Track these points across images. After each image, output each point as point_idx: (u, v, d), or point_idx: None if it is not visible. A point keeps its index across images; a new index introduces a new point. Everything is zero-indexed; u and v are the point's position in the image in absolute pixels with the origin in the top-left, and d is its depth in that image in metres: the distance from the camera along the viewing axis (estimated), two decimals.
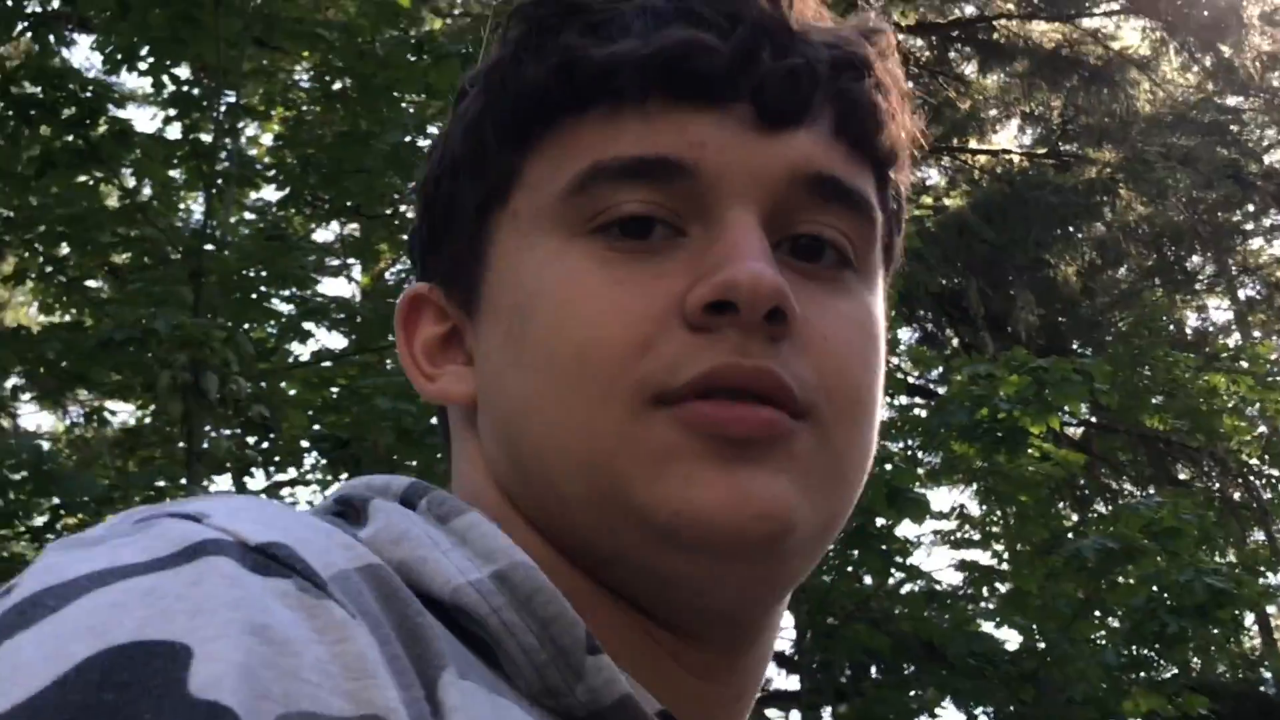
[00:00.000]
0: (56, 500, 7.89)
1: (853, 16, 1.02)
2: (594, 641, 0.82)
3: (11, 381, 9.87)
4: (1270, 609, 15.48)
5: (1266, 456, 11.43)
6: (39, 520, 8.07)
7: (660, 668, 0.90)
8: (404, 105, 8.89)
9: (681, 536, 0.85)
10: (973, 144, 13.77)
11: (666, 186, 0.91)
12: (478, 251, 0.98)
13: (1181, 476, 12.13)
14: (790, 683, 10.47)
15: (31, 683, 0.61)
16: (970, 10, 13.68)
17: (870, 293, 0.97)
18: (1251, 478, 12.56)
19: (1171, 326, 13.78)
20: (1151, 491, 11.08)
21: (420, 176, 1.10)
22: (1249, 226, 17.40)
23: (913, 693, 8.74)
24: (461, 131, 1.00)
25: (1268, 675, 11.85)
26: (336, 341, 9.99)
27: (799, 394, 0.87)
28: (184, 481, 7.86)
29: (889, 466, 7.83)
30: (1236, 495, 12.68)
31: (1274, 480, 12.19)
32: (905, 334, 12.65)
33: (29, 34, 8.34)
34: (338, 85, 8.88)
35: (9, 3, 8.08)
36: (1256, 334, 16.90)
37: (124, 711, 0.59)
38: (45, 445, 8.74)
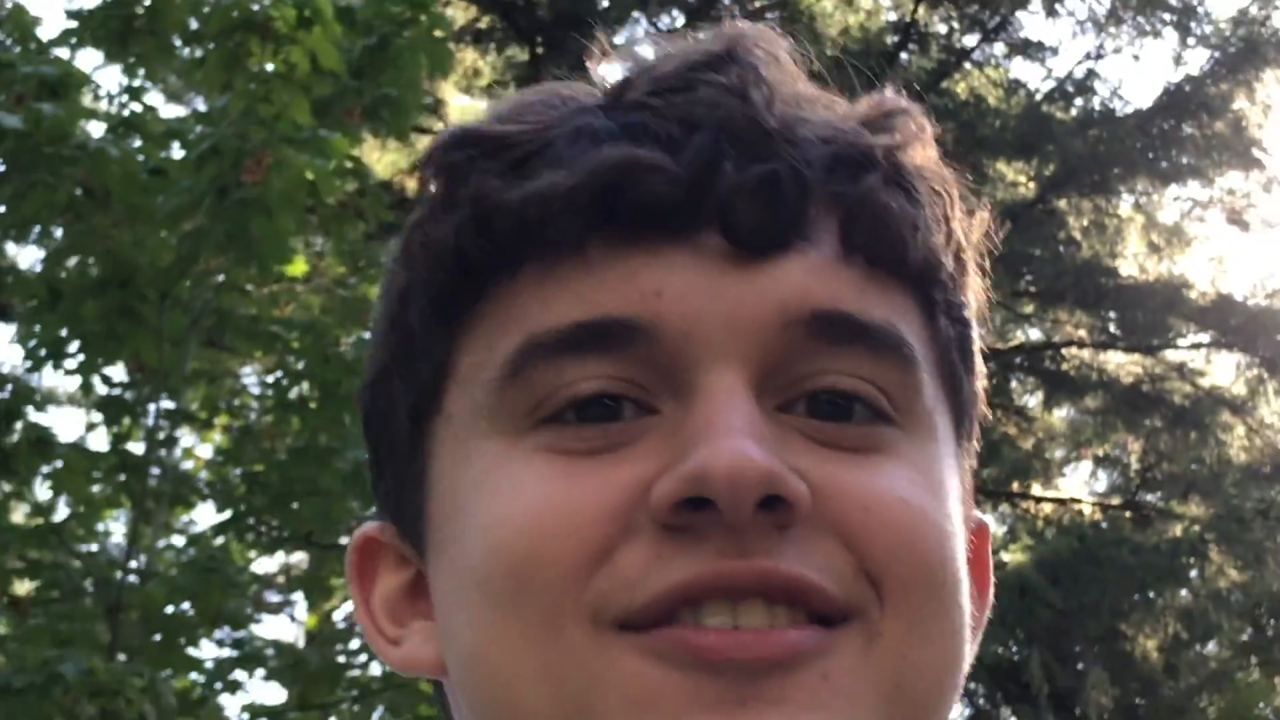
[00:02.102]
0: None
1: (866, 97, 0.90)
2: None
3: None
4: None
5: None
6: None
7: None
8: None
9: None
10: (1036, 489, 13.59)
11: (622, 355, 0.80)
12: (417, 471, 0.89)
13: None
14: None
15: None
16: (1036, 335, 13.80)
17: (926, 450, 0.84)
18: None
19: (1270, 713, 13.18)
20: None
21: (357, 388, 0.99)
22: None
23: None
24: (386, 321, 0.92)
25: None
26: (274, 694, 9.33)
27: (836, 590, 0.76)
28: None
29: None
30: None
31: None
32: (954, 714, 11.72)
33: None
34: (294, 392, 8.53)
35: None
36: None
37: None
38: None
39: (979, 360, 0.96)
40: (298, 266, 8.14)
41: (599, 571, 0.77)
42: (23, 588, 8.32)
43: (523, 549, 0.78)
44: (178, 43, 8.32)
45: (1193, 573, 12.29)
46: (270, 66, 7.85)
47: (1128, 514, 12.89)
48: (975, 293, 0.94)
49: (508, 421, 0.81)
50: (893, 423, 0.82)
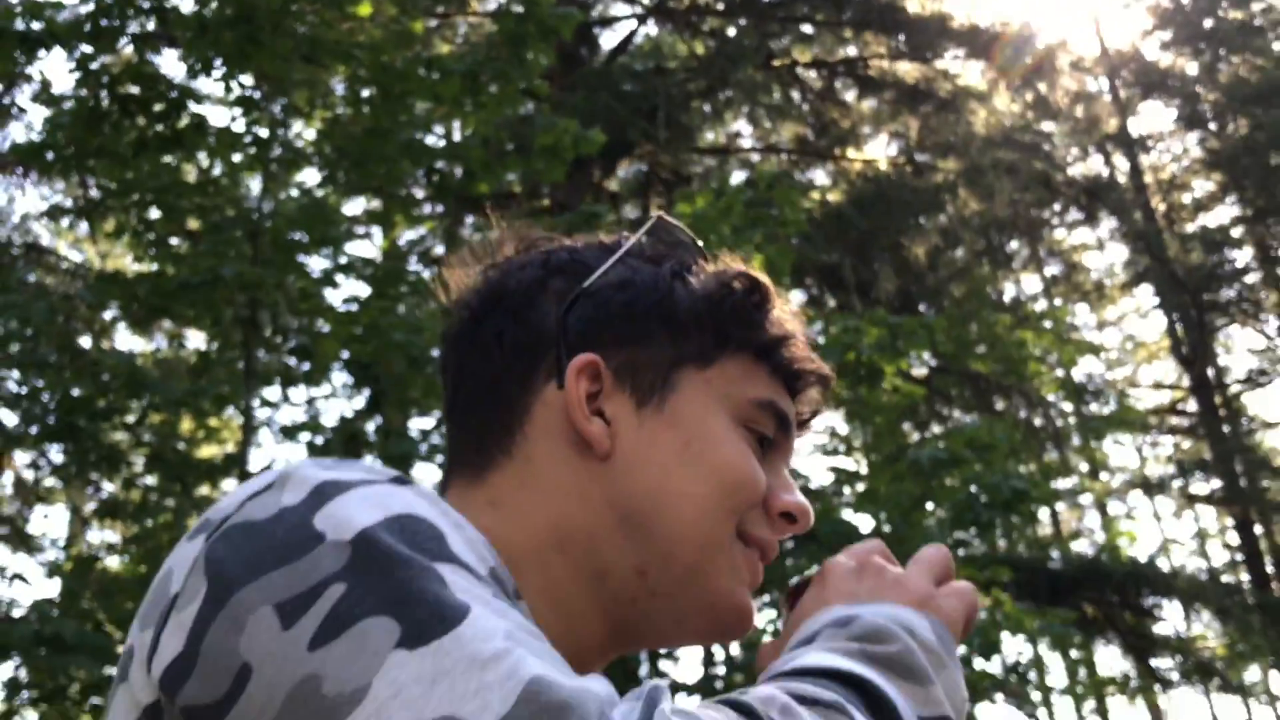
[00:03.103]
0: (145, 401, 7.90)
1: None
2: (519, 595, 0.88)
3: (110, 313, 9.76)
4: (1059, 506, 16.17)
5: (1061, 393, 11.55)
6: (130, 417, 8.09)
7: (585, 663, 0.95)
8: (416, 110, 8.76)
9: (721, 616, 1.00)
10: (850, 153, 13.66)
11: (781, 437, 1.06)
12: (664, 376, 1.01)
13: (997, 406, 12.28)
14: None
15: (366, 518, 0.77)
16: (852, 51, 13.66)
17: None
18: (1049, 409, 12.74)
19: (994, 295, 14.00)
20: (974, 417, 11.14)
21: (585, 284, 1.05)
22: (1054, 221, 17.75)
23: (790, 562, 8.80)
24: (679, 296, 1.03)
25: (1055, 554, 12.09)
26: (361, 290, 9.53)
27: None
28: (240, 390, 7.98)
29: None
30: (1037, 421, 12.84)
31: (1065, 412, 12.38)
32: (797, 296, 12.63)
33: (130, 47, 8.33)
34: (365, 93, 8.78)
35: (115, 23, 8.04)
36: (1057, 301, 17.38)
37: (422, 546, 0.76)
38: (137, 360, 8.66)
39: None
40: (364, 8, 8.43)
41: (752, 511, 1.02)
42: (194, 223, 8.53)
43: (744, 477, 0.99)
44: None
45: (948, 205, 12.60)
46: None
47: (908, 167, 12.97)
48: None
49: (738, 416, 1.02)
50: None
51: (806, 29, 13.60)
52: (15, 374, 8.11)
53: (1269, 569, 16.71)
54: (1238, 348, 19.87)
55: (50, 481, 12.59)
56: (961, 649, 7.09)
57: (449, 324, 1.09)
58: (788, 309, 1.09)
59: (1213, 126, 19.12)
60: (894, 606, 0.92)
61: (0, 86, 9.09)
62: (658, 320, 1.03)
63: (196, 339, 11.13)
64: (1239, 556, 18.05)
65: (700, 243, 1.11)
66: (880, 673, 0.84)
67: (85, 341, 10.09)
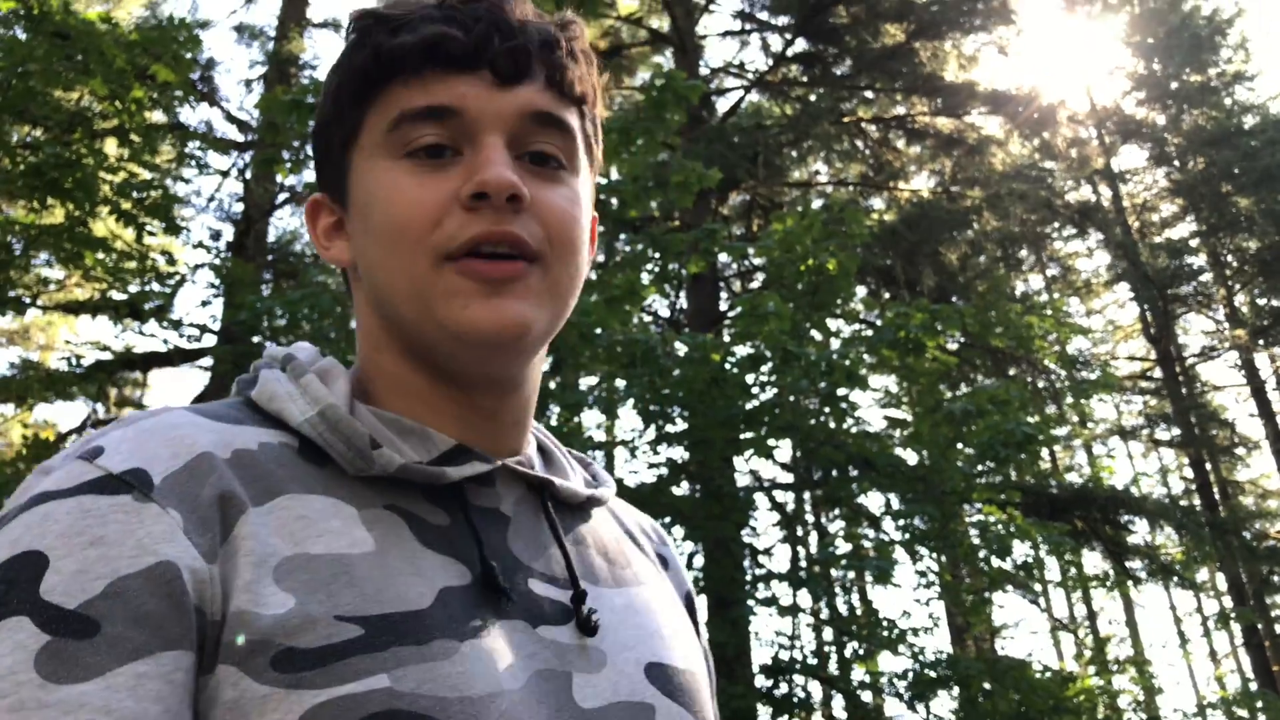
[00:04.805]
0: None
1: (558, 14, 0.89)
2: (375, 442, 0.77)
3: None
4: (1057, 448, 16.29)
5: (1058, 363, 11.29)
6: None
7: (462, 415, 0.83)
8: None
9: (464, 339, 0.78)
10: (901, 185, 13.49)
11: (445, 123, 0.80)
12: (343, 170, 0.85)
13: (1011, 373, 12.11)
14: (788, 478, 10.07)
15: None
16: (902, 110, 13.41)
17: (577, 180, 0.85)
18: (1050, 375, 12.54)
19: (1009, 290, 13.67)
20: (993, 380, 10.92)
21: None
22: (1054, 235, 17.48)
23: (854, 486, 8.66)
24: (329, 100, 0.86)
25: (1053, 483, 11.91)
26: None
27: (534, 246, 0.79)
28: None
29: (848, 360, 7.73)
30: (1041, 384, 12.70)
31: (1061, 377, 12.11)
32: (861, 290, 12.64)
33: None
34: None
35: None
36: (1056, 294, 17.07)
37: (6, 594, 0.61)
38: None
39: (599, 134, 0.90)
40: None
41: (435, 230, 0.77)
42: None
43: (403, 218, 0.78)
44: None
45: (975, 224, 12.37)
46: None
47: (944, 196, 12.58)
48: (599, 111, 0.90)
49: (389, 152, 0.80)
50: (565, 167, 0.83)
51: (868, 94, 13.47)
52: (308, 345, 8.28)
53: (1215, 496, 16.54)
54: (1193, 330, 19.42)
55: None
56: (983, 550, 6.83)
57: None
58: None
59: (1176, 164, 18.80)
60: None
61: (298, 143, 8.75)
62: (320, 134, 0.87)
63: None
64: (1192, 486, 17.85)
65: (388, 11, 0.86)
66: None
67: (353, 323, 10.28)
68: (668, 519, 7.75)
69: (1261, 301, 17.94)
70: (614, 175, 10.26)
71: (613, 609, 0.83)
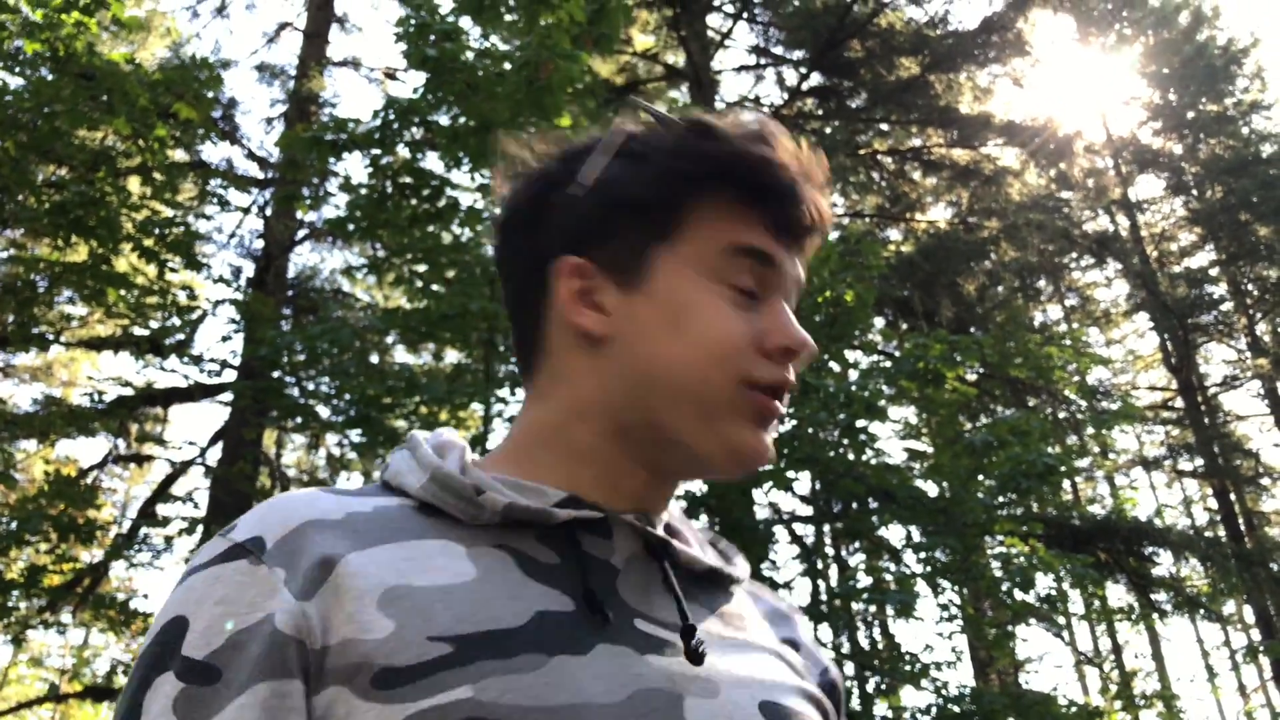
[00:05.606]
0: (417, 398, 7.92)
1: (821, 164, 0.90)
2: (480, 489, 0.80)
3: (391, 337, 9.82)
4: (1078, 479, 16.13)
5: (1079, 393, 11.20)
6: (409, 407, 8.08)
7: (635, 491, 0.85)
8: None
9: (734, 456, 0.82)
10: (918, 216, 13.52)
11: (764, 271, 0.85)
12: (641, 258, 0.84)
13: (1030, 403, 12.11)
14: (808, 511, 10.09)
15: (157, 622, 0.73)
16: (918, 142, 13.40)
17: None
18: (1070, 406, 12.51)
19: (1027, 321, 13.67)
20: (1013, 411, 10.87)
21: (576, 194, 0.86)
22: (1072, 265, 17.37)
23: (875, 518, 8.63)
24: (649, 172, 0.85)
25: (1075, 515, 11.75)
26: None
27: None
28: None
29: (867, 392, 7.72)
30: (1061, 415, 12.65)
31: (1082, 408, 12.06)
32: (879, 322, 12.60)
33: (405, 150, 8.38)
34: None
35: (395, 133, 8.10)
36: (1075, 324, 17.15)
37: (157, 655, 0.70)
38: (411, 370, 8.80)
39: None
40: (565, 120, 8.03)
41: (742, 361, 0.82)
42: (450, 273, 8.33)
43: (726, 339, 0.81)
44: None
45: (992, 253, 12.34)
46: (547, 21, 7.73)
47: (961, 226, 12.59)
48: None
49: (713, 274, 0.82)
50: None
51: (884, 127, 13.46)
52: (327, 379, 8.27)
53: (1240, 526, 16.31)
54: (1215, 359, 19.23)
55: (351, 455, 12.75)
56: (1005, 583, 6.69)
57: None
58: (745, 128, 0.86)
59: (1194, 192, 18.69)
60: None
61: (317, 179, 8.89)
62: (620, 210, 0.85)
63: (452, 355, 11.29)
64: (1217, 517, 17.55)
65: (676, 116, 0.87)
66: None
67: (374, 357, 10.25)
68: None
69: None
70: None
71: (724, 649, 0.83)
